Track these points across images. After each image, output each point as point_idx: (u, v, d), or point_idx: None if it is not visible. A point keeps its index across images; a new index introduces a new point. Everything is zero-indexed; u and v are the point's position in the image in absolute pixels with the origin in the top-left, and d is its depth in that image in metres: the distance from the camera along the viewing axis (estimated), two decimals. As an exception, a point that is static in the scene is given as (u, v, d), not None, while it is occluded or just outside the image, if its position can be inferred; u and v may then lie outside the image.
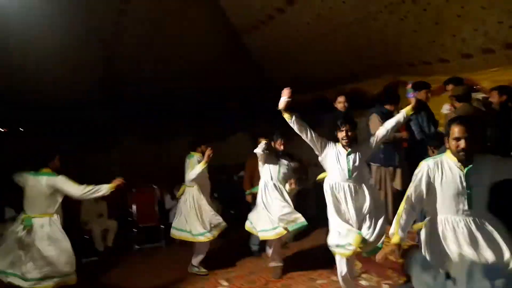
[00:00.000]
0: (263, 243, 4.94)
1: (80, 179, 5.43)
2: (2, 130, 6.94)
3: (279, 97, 3.36)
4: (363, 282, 4.07)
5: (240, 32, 6.44)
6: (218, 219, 4.78)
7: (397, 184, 4.49)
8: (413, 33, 4.67)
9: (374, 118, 4.49)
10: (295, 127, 3.35)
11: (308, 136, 3.35)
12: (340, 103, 4.99)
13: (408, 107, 3.30)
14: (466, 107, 3.79)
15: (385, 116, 4.62)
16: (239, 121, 8.44)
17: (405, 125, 4.66)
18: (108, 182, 5.88)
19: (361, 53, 5.71)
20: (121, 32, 5.65)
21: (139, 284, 4.66)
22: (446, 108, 4.31)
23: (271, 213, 4.32)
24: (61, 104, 6.32)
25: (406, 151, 4.56)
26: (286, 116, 3.33)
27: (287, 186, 4.54)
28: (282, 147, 4.61)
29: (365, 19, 4.80)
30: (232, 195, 7.12)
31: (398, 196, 4.56)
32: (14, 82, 5.56)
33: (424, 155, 3.48)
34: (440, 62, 4.95)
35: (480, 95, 4.74)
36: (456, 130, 2.44)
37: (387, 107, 4.61)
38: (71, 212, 4.61)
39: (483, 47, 4.27)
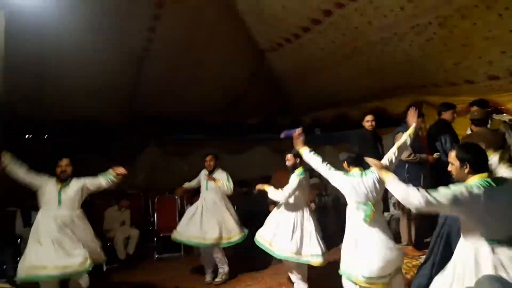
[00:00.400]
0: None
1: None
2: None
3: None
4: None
5: (265, 50, 6.59)
6: None
7: None
8: (439, 54, 4.70)
9: (400, 136, 4.54)
10: (311, 161, 3.46)
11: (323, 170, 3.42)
12: (368, 121, 5.10)
13: (411, 129, 3.43)
14: (482, 131, 3.84)
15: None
16: (259, 136, 8.56)
17: (428, 146, 4.71)
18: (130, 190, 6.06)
19: (385, 72, 5.76)
20: (150, 52, 5.86)
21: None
22: None
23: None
24: (89, 120, 6.57)
25: (432, 172, 4.55)
26: (302, 150, 3.47)
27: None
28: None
29: (390, 39, 4.86)
30: (251, 208, 7.16)
31: (420, 217, 4.57)
32: (46, 95, 5.82)
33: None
34: (466, 84, 4.95)
35: (507, 117, 4.72)
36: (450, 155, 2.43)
37: None
38: (95, 219, 4.72)
39: (511, 69, 4.27)
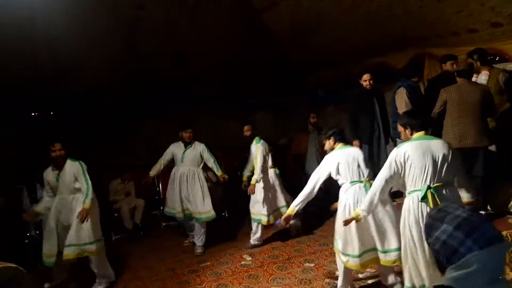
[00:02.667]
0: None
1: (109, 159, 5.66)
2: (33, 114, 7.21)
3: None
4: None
5: (260, 10, 6.33)
6: None
7: None
8: (439, 3, 4.47)
9: (401, 91, 4.45)
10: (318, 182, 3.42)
11: None
12: (366, 81, 4.96)
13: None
14: (462, 83, 3.91)
15: (412, 89, 4.53)
16: (259, 102, 8.42)
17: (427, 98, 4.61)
18: (134, 163, 6.10)
19: (385, 26, 5.52)
20: (142, 15, 5.65)
21: (168, 257, 4.85)
22: (482, 78, 4.22)
23: None
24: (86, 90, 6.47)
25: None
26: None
27: None
28: None
29: (388, -10, 4.64)
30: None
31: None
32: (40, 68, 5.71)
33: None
34: (468, 32, 4.74)
35: (510, 65, 4.55)
36: None
37: (414, 79, 4.53)
38: (100, 191, 4.78)
39: (514, 15, 4.06)
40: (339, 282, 3.41)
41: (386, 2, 4.82)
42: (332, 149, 3.54)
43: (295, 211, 3.36)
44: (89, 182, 3.98)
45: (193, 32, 6.21)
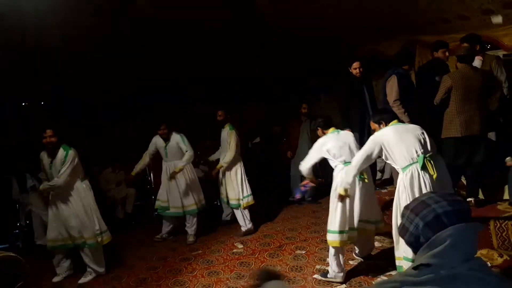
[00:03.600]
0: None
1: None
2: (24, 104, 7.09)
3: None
4: (376, 244, 4.10)
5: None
6: None
7: None
8: (431, -11, 4.45)
9: (393, 79, 4.38)
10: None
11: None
12: (355, 69, 4.92)
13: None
14: (464, 69, 3.82)
15: (403, 77, 4.50)
16: (250, 89, 8.34)
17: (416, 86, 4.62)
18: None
19: (378, 11, 5.47)
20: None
21: (159, 246, 4.86)
22: (476, 63, 4.18)
23: None
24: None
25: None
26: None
27: None
28: None
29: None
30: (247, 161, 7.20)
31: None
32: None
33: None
34: (459, 20, 4.72)
35: (501, 53, 4.55)
36: None
37: (405, 67, 4.50)
38: (91, 181, 4.74)
39: (505, 1, 4.04)
40: (331, 267, 3.47)
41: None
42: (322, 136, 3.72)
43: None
44: (68, 171, 3.89)
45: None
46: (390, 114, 3.23)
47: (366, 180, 3.47)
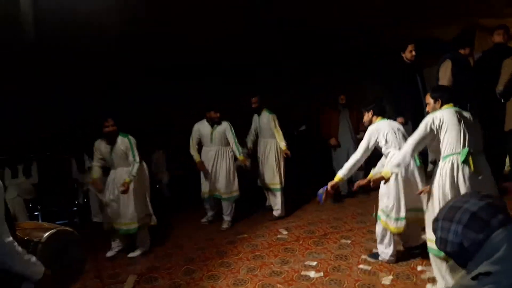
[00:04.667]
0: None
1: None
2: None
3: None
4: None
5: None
6: None
7: None
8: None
9: (447, 64, 4.14)
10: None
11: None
12: (410, 51, 4.69)
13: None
14: None
15: (458, 62, 4.24)
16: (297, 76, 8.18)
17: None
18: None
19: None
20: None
21: (207, 228, 5.03)
22: None
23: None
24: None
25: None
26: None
27: None
28: None
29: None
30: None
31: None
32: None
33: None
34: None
35: None
36: None
37: (462, 51, 4.24)
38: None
39: None
40: (381, 247, 3.52)
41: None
42: (370, 122, 3.62)
43: (341, 179, 3.45)
44: (137, 156, 4.14)
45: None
46: (451, 95, 3.00)
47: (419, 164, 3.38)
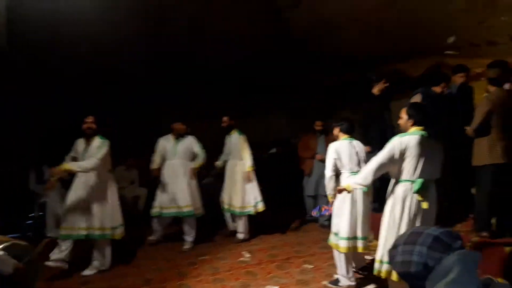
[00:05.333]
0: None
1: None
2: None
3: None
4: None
5: (282, 8, 6.25)
6: None
7: None
8: (461, 13, 4.40)
9: (417, 97, 4.26)
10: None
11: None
12: (385, 83, 4.87)
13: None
14: (499, 92, 3.66)
15: (429, 97, 4.36)
16: (273, 100, 8.34)
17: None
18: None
19: (406, 33, 5.44)
20: (167, 9, 5.61)
21: (167, 248, 4.87)
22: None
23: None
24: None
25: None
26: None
27: None
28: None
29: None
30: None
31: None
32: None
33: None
34: (488, 45, 4.67)
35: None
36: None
37: (435, 89, 4.40)
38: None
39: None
40: (339, 271, 3.58)
41: (410, 7, 4.74)
42: (336, 138, 3.78)
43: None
44: (99, 155, 3.95)
45: (214, 26, 6.16)
46: (424, 118, 3.01)
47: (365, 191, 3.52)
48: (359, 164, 3.63)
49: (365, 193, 3.55)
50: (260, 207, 5.10)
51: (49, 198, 5.38)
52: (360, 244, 3.55)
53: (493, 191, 3.59)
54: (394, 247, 1.29)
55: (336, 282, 3.61)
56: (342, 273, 3.54)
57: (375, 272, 3.07)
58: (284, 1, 5.95)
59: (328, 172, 3.64)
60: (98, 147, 4.03)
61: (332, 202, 3.68)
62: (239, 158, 5.13)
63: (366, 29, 5.82)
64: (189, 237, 4.89)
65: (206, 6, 5.64)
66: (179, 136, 4.99)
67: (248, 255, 4.55)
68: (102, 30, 5.12)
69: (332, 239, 3.60)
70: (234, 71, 7.30)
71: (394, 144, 2.91)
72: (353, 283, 3.54)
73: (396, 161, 2.91)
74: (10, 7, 4.16)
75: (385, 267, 2.94)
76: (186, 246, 4.86)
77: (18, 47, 4.91)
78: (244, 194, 5.07)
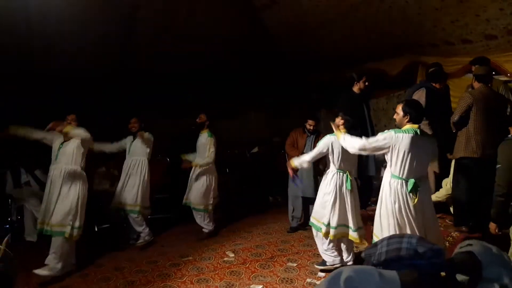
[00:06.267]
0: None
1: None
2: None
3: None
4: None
5: (258, 8, 6.29)
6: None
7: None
8: (436, 11, 4.48)
9: (421, 92, 4.28)
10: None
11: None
12: (364, 82, 4.93)
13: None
14: (483, 89, 3.71)
15: (433, 92, 4.41)
16: (253, 99, 8.36)
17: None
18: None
19: (381, 32, 5.54)
20: (138, 6, 5.57)
21: (149, 250, 4.81)
22: None
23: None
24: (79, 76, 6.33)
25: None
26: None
27: None
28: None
29: (386, -5, 4.64)
30: (244, 171, 7.17)
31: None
32: (34, 53, 5.59)
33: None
34: (463, 43, 4.77)
35: (503, 78, 4.57)
36: None
37: (435, 85, 4.46)
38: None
39: (509, 28, 4.08)
40: (325, 255, 3.94)
41: (385, 7, 4.82)
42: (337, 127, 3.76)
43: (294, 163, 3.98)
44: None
45: (190, 27, 6.16)
46: (419, 116, 3.10)
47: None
48: (348, 164, 3.87)
49: (349, 191, 3.82)
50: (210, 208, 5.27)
51: (27, 202, 5.25)
52: (354, 234, 3.82)
53: (470, 186, 3.68)
54: (373, 246, 1.37)
55: (324, 262, 3.93)
56: (327, 254, 3.89)
57: None
58: (259, 1, 5.98)
59: (308, 158, 3.88)
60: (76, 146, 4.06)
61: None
62: (203, 157, 5.19)
63: (339, 31, 5.93)
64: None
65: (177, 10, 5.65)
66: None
67: (232, 254, 4.55)
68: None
69: (315, 223, 3.94)
70: (215, 71, 7.32)
71: (390, 134, 3.01)
72: (338, 260, 3.88)
73: (384, 149, 3.04)
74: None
75: None
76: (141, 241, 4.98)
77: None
78: (207, 194, 5.18)
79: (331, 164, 3.90)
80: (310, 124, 5.30)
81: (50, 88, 6.22)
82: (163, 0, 5.53)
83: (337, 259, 3.90)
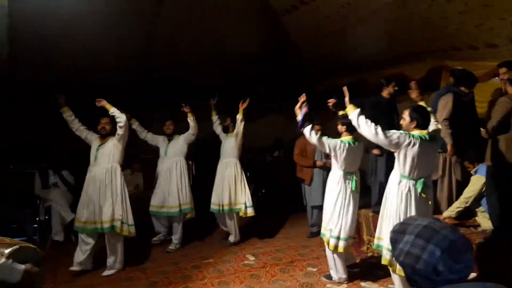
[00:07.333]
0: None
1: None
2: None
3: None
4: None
5: (279, 13, 6.34)
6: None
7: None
8: (460, 15, 4.43)
9: (449, 97, 4.22)
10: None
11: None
12: (393, 87, 4.89)
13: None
14: None
15: (461, 97, 4.33)
16: (271, 103, 8.39)
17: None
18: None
19: (404, 36, 5.50)
20: (159, 11, 5.67)
21: (172, 252, 4.90)
22: None
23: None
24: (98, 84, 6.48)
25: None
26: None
27: None
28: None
29: (408, 0, 4.61)
30: (264, 174, 7.21)
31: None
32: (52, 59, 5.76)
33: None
34: (487, 47, 4.69)
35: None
36: None
37: (463, 89, 4.39)
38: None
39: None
40: (336, 271, 3.81)
41: (406, 11, 4.79)
42: (340, 134, 3.83)
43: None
44: None
45: (210, 30, 6.24)
46: (426, 122, 3.17)
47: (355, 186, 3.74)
48: (354, 166, 3.80)
49: (353, 192, 3.75)
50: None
51: (54, 203, 5.44)
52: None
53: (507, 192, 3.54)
54: (402, 232, 1.23)
55: (330, 276, 3.88)
56: (338, 271, 3.80)
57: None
58: (280, 6, 6.00)
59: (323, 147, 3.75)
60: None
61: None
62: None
63: (361, 35, 5.89)
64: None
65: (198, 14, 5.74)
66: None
67: (252, 258, 4.59)
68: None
69: (326, 234, 3.76)
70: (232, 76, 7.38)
71: (404, 133, 3.04)
72: (345, 276, 3.81)
73: (395, 146, 3.03)
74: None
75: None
76: (172, 247, 5.02)
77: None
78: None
79: (336, 168, 3.81)
80: (317, 130, 5.22)
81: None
82: (182, 8, 5.63)
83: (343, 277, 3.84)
